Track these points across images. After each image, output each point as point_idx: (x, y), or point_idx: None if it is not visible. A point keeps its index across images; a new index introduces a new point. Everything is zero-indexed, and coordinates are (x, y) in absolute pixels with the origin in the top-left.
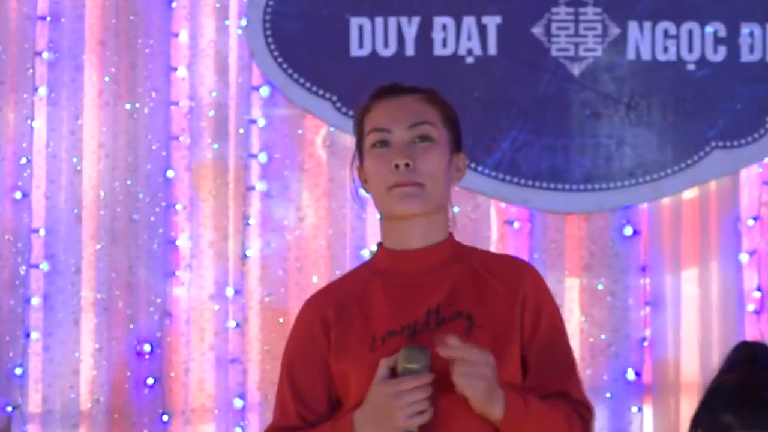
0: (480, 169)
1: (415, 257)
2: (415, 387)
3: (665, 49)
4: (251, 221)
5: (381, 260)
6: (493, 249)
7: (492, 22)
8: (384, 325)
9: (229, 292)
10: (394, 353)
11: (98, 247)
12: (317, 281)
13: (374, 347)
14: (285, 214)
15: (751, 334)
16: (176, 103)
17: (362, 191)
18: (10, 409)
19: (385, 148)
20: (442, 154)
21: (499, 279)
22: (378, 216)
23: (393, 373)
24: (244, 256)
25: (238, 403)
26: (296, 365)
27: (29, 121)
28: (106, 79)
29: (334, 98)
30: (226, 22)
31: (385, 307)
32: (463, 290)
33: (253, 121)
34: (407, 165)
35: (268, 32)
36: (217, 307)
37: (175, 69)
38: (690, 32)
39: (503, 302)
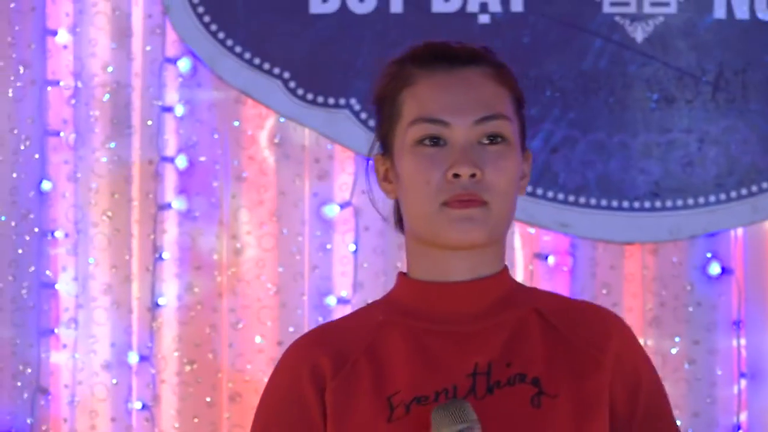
0: None
1: (456, 294)
2: None
3: None
4: (165, 255)
5: (404, 296)
6: None
7: None
8: (408, 386)
9: (133, 358)
10: (424, 428)
11: None
12: (262, 342)
13: (394, 416)
14: (214, 245)
15: None
16: (55, 83)
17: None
18: None
19: (437, 148)
20: (516, 160)
21: (578, 333)
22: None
23: None
24: (155, 306)
25: None
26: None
27: None
28: None
29: (286, 75)
30: None
31: (409, 362)
32: (527, 344)
33: (168, 109)
34: (473, 176)
35: None
36: (115, 381)
37: (54, 33)
38: None
39: (585, 364)
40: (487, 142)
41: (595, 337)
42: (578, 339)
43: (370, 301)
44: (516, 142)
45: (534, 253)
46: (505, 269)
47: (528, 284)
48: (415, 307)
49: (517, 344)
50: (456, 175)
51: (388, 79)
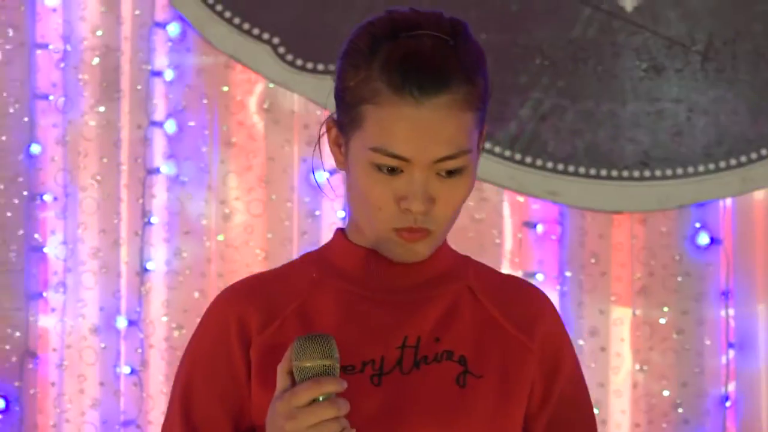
0: (488, 146)
1: (395, 265)
2: (313, 398)
3: None
4: (154, 219)
5: (341, 258)
6: (506, 262)
7: None
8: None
9: (122, 322)
10: (349, 396)
11: None
12: None
13: None
14: (203, 210)
15: None
16: (44, 46)
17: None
18: None
19: (393, 176)
20: (470, 182)
21: (507, 314)
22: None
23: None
24: (144, 271)
25: None
26: (196, 387)
27: None
28: None
29: (276, 41)
30: None
31: (339, 329)
32: (458, 321)
33: (157, 74)
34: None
35: None
36: (103, 345)
37: None
38: None
39: (512, 347)
40: (444, 175)
41: (525, 319)
42: (508, 321)
43: None
44: (474, 157)
45: (523, 222)
46: (444, 243)
47: (516, 254)
48: (351, 271)
49: (449, 320)
50: (407, 209)
51: (353, 73)
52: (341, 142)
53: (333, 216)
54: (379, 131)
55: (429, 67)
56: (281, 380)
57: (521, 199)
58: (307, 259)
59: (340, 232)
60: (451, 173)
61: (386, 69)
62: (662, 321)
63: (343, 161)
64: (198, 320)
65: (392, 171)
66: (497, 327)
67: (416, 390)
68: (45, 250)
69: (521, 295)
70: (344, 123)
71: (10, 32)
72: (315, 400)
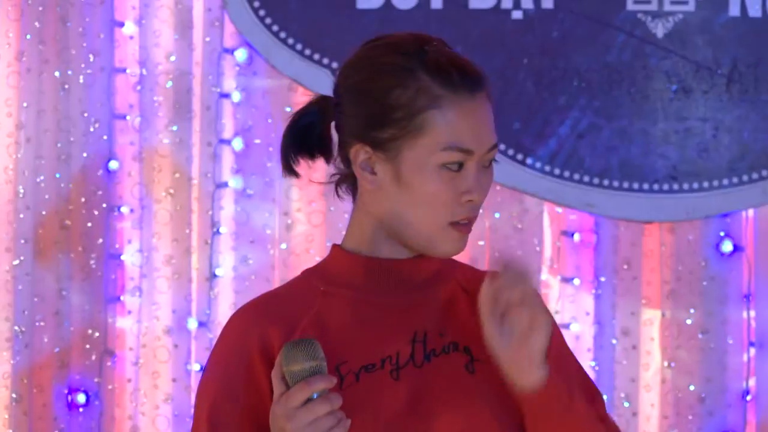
0: (530, 161)
1: (395, 269)
2: (306, 397)
3: None
4: (222, 229)
5: (342, 269)
6: (545, 268)
7: None
8: (356, 355)
9: (192, 324)
10: (373, 394)
11: (16, 262)
12: None
13: (345, 384)
14: (267, 221)
15: None
16: (122, 70)
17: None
18: None
19: (457, 172)
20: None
21: None
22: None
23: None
24: (213, 276)
25: None
26: (222, 408)
27: None
28: (28, 36)
29: (335, 65)
30: None
31: (353, 333)
32: (456, 315)
33: (226, 95)
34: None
35: None
36: (175, 345)
37: (122, 24)
38: None
39: None
40: (487, 165)
41: None
42: None
43: None
44: None
45: (561, 231)
46: None
47: (556, 261)
48: (354, 279)
49: (448, 316)
50: (469, 200)
51: (400, 89)
52: (375, 161)
53: None
54: (449, 130)
55: (469, 67)
56: (276, 386)
57: (560, 210)
58: (308, 274)
59: (336, 247)
60: (491, 162)
61: (439, 75)
62: (689, 322)
63: (374, 180)
64: None
65: (459, 166)
66: None
67: (432, 380)
68: (122, 257)
69: None
70: (392, 139)
71: (91, 58)
72: (309, 399)
